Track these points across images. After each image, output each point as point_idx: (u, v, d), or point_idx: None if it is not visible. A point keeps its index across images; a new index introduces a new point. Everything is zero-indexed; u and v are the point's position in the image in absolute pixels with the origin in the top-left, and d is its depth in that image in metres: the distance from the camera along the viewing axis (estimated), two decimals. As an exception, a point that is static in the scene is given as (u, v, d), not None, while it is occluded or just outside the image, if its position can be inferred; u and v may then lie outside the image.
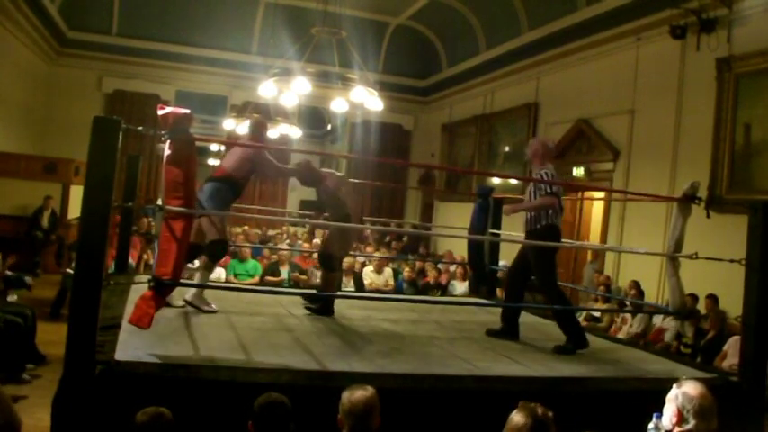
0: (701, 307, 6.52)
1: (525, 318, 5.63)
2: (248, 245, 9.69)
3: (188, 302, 4.42)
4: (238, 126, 10.68)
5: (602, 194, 9.32)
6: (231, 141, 11.18)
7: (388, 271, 9.24)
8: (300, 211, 15.48)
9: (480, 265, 6.37)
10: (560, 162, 10.11)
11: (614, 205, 8.67)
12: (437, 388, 3.17)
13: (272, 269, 8.72)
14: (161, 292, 3.07)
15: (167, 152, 3.13)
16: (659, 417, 2.49)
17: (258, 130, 4.90)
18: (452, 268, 9.62)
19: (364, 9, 12.85)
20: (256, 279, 8.54)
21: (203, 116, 15.01)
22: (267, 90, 7.46)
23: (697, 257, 4.01)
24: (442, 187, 14.29)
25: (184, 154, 3.14)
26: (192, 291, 4.44)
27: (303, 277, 8.83)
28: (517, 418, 2.09)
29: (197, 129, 13.01)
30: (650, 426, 2.54)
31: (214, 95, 14.52)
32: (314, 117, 17.68)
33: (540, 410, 2.09)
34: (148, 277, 3.15)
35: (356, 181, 13.34)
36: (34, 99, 12.50)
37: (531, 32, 10.75)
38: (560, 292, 4.51)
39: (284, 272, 8.69)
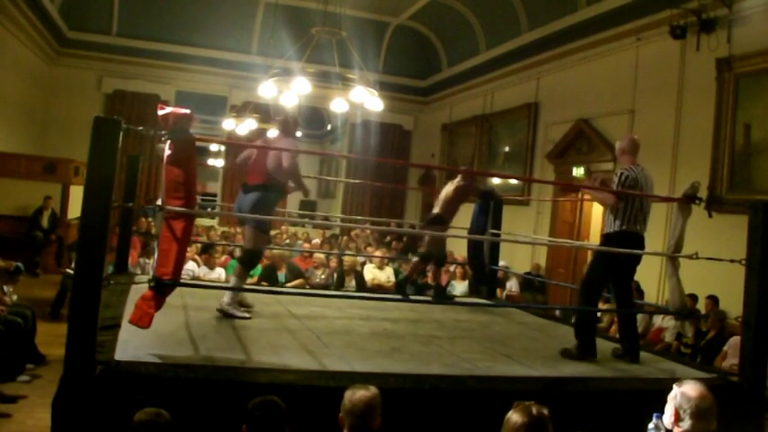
0: (701, 307, 6.52)
1: (527, 318, 5.65)
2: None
3: (220, 311, 4.37)
4: (238, 126, 10.68)
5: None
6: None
7: (389, 268, 9.22)
8: (300, 211, 15.53)
9: (480, 266, 6.38)
10: (560, 162, 10.14)
11: (614, 205, 8.66)
12: (438, 388, 3.17)
13: (268, 273, 8.33)
14: (161, 291, 3.07)
15: (168, 152, 3.13)
16: (659, 416, 2.49)
17: (289, 128, 4.70)
18: (452, 268, 9.62)
19: (364, 9, 12.85)
20: (255, 279, 8.50)
21: (203, 116, 15.02)
22: (267, 90, 7.46)
23: (697, 257, 4.01)
24: (442, 187, 14.27)
25: (185, 154, 3.14)
26: (225, 299, 4.40)
27: (300, 281, 8.73)
28: (514, 417, 2.11)
29: (197, 129, 13.00)
30: (650, 426, 2.54)
31: (214, 95, 14.53)
32: (314, 117, 17.70)
33: (534, 409, 2.12)
34: (148, 277, 3.15)
35: (356, 181, 13.41)
36: (34, 99, 12.50)
37: (531, 32, 10.75)
38: (591, 301, 4.19)
39: (281, 276, 8.47)
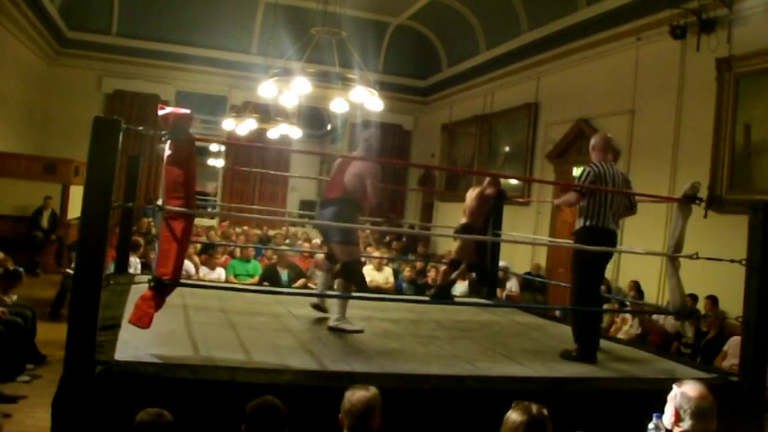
0: (701, 307, 6.52)
1: (527, 318, 5.65)
2: (250, 245, 9.69)
3: (332, 329, 4.25)
4: (238, 126, 10.68)
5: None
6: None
7: (387, 269, 9.22)
8: (300, 212, 15.53)
9: (482, 266, 6.39)
10: (560, 162, 10.14)
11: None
12: (438, 388, 3.17)
13: (270, 273, 8.41)
14: (161, 291, 3.07)
15: (168, 152, 3.13)
16: (659, 417, 2.49)
17: (372, 149, 4.67)
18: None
19: (364, 9, 12.85)
20: (256, 279, 8.53)
21: (203, 116, 15.03)
22: (267, 90, 7.47)
23: (697, 257, 4.01)
24: (442, 187, 14.28)
25: (185, 154, 3.14)
26: (334, 316, 4.30)
27: (303, 281, 8.75)
28: (513, 416, 2.12)
29: (197, 129, 13.02)
30: (650, 426, 2.54)
31: (214, 95, 14.53)
32: (314, 117, 17.68)
33: (534, 408, 2.12)
34: (148, 277, 3.15)
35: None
36: (34, 99, 12.50)
37: (531, 32, 10.75)
38: (585, 302, 4.14)
39: (284, 274, 8.51)
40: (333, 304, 4.40)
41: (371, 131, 4.88)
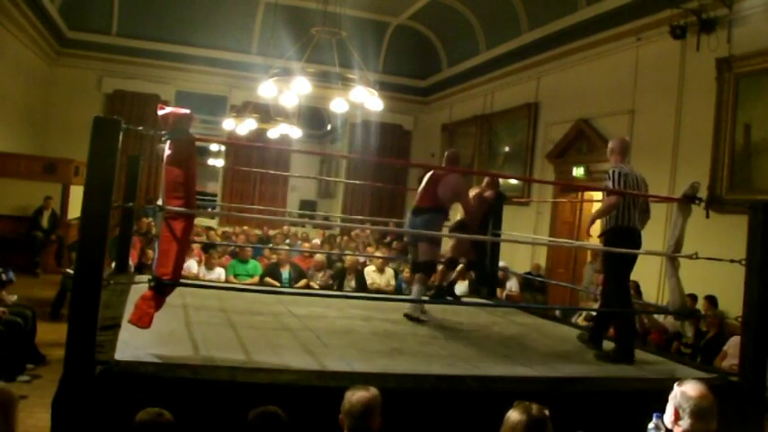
0: (700, 308, 6.51)
1: (527, 318, 5.66)
2: (248, 245, 9.69)
3: (407, 316, 4.95)
4: (238, 126, 10.68)
5: (602, 194, 9.32)
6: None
7: (389, 271, 9.20)
8: (300, 211, 15.53)
9: (481, 266, 6.39)
10: (560, 162, 10.14)
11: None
12: (438, 388, 3.17)
13: (272, 270, 8.56)
14: (161, 291, 3.07)
15: (168, 152, 3.13)
16: (659, 416, 2.49)
17: (455, 163, 5.35)
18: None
19: (364, 9, 12.84)
20: (256, 279, 8.53)
21: (203, 116, 15.03)
22: (267, 90, 7.48)
23: (697, 257, 4.01)
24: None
25: (185, 154, 3.14)
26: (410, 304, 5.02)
27: (305, 281, 8.76)
28: (514, 416, 2.12)
29: (197, 129, 13.02)
30: (650, 426, 2.54)
31: (214, 95, 14.53)
32: (314, 117, 17.69)
33: (535, 408, 2.12)
34: (148, 277, 3.15)
35: (357, 182, 13.42)
36: (34, 99, 12.49)
37: (531, 32, 10.75)
38: (619, 300, 4.25)
39: (285, 272, 8.58)
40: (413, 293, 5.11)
41: (454, 150, 5.47)
